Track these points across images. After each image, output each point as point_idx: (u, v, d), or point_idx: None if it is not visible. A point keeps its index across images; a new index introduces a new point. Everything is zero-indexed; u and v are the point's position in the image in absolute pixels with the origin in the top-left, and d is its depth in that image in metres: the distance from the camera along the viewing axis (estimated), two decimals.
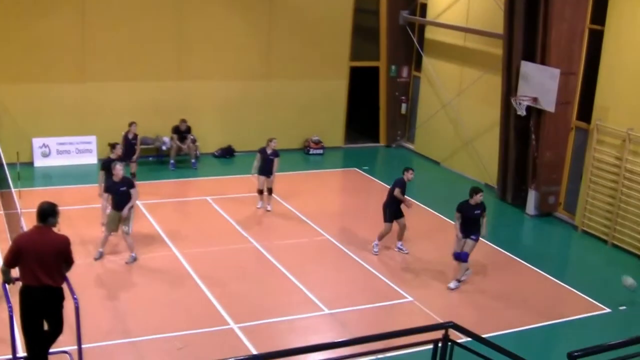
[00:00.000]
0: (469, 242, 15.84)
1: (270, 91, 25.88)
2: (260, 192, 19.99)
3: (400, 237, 17.79)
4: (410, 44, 27.22)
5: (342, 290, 15.71)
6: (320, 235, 18.60)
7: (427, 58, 26.44)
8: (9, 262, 9.86)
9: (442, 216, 20.33)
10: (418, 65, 27.40)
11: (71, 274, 10.08)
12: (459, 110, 24.89)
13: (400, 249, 17.79)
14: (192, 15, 24.31)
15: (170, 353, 12.68)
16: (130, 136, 21.02)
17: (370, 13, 27.25)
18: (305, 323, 14.21)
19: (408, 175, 17.38)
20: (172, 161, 23.56)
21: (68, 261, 10.18)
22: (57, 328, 10.15)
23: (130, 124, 21.13)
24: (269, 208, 19.98)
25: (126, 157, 19.55)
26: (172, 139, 23.79)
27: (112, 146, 18.31)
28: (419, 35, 26.94)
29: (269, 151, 19.70)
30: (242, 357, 8.06)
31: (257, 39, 25.37)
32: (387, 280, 16.15)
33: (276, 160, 19.79)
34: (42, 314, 9.97)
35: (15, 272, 10.21)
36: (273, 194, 20.12)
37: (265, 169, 19.71)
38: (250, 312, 14.32)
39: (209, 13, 24.49)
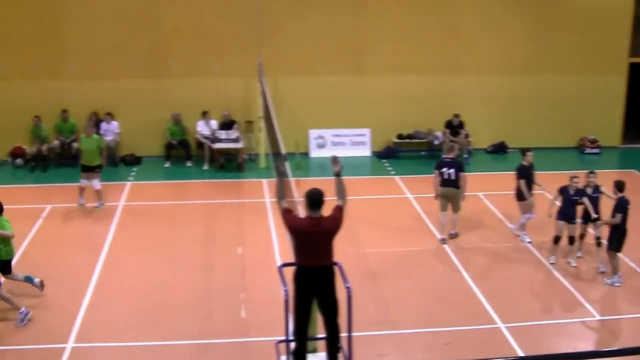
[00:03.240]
0: None
1: (546, 86, 25.03)
2: (558, 239, 16.00)
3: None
4: None
5: (615, 295, 14.83)
6: None
7: None
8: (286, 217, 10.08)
9: None
10: None
11: (343, 263, 10.20)
12: None
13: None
14: (463, 7, 24.13)
15: (436, 347, 12.59)
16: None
17: None
18: (573, 328, 13.57)
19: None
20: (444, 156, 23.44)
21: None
22: (333, 310, 10.21)
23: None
24: (573, 264, 15.92)
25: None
26: (444, 133, 23.72)
27: (524, 152, 17.44)
28: None
29: (571, 191, 15.70)
30: (509, 358, 7.72)
31: (525, 31, 24.65)
32: None
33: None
34: (316, 293, 10.13)
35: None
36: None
37: (569, 213, 15.86)
38: (519, 311, 13.90)
39: (480, 4, 24.15)
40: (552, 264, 15.89)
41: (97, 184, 19.13)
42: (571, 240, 15.81)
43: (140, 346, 12.62)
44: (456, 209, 17.18)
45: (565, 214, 15.71)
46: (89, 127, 20.01)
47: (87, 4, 23.32)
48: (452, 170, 16.88)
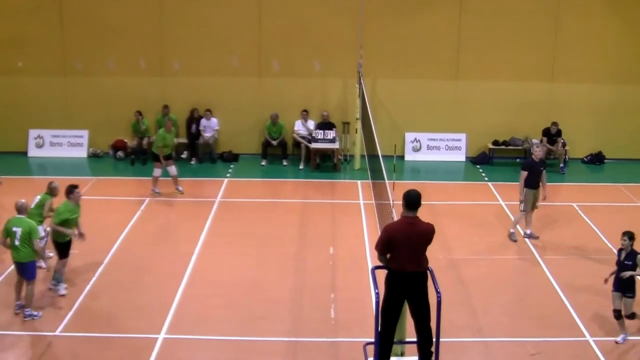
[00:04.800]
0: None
1: None
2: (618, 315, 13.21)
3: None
4: None
5: None
6: None
7: None
8: (382, 251, 10.20)
9: None
10: None
11: (433, 268, 10.26)
12: None
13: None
14: (567, 14, 23.73)
15: (522, 358, 12.49)
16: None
17: None
18: None
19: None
20: None
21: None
22: (426, 314, 10.29)
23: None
24: None
25: None
26: (541, 141, 23.45)
27: None
28: None
29: (623, 254, 13.03)
30: None
31: (631, 40, 24.05)
32: None
33: None
34: (409, 298, 10.22)
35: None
36: None
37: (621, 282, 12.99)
38: (609, 326, 13.60)
39: (585, 12, 23.74)
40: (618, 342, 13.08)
41: (174, 169, 20.52)
42: None
43: (230, 340, 12.88)
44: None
45: (618, 283, 12.98)
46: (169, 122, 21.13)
47: (191, 3, 23.84)
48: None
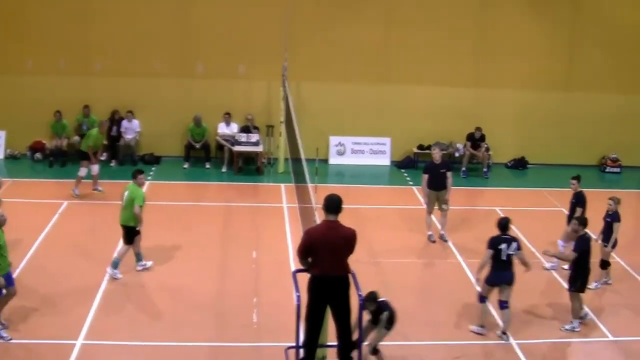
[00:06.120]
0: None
1: (570, 103, 24.86)
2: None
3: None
4: None
5: (629, 317, 14.61)
6: None
7: None
8: (304, 255, 10.11)
9: None
10: None
11: (356, 271, 10.17)
12: None
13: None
14: (492, 22, 24.04)
15: None
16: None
17: None
18: (586, 348, 13.47)
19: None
20: (463, 169, 23.39)
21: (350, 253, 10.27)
22: (346, 318, 10.22)
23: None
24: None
25: None
26: (465, 146, 23.62)
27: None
28: None
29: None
30: None
31: (558, 47, 24.50)
32: None
33: None
34: (330, 302, 10.14)
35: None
36: None
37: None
38: (531, 329, 13.76)
39: (510, 20, 24.10)
40: None
41: (97, 168, 20.42)
42: None
43: (151, 346, 12.59)
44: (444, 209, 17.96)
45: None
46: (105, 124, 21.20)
47: (116, 2, 23.37)
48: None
